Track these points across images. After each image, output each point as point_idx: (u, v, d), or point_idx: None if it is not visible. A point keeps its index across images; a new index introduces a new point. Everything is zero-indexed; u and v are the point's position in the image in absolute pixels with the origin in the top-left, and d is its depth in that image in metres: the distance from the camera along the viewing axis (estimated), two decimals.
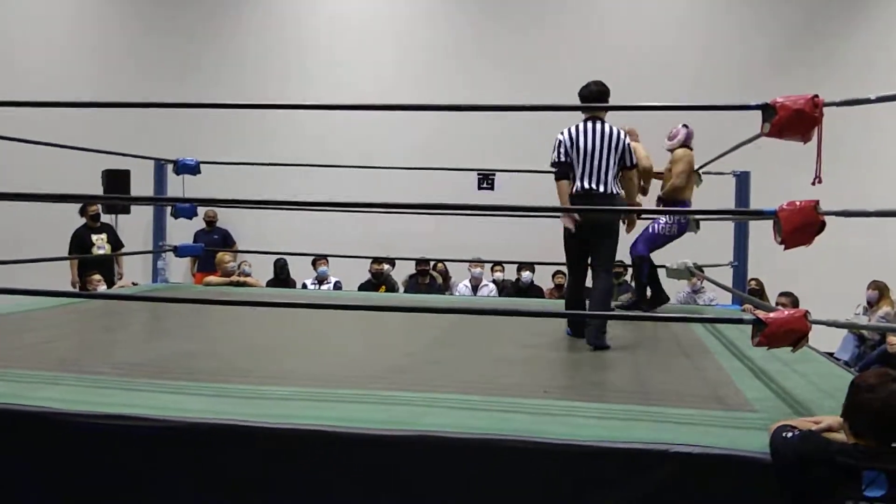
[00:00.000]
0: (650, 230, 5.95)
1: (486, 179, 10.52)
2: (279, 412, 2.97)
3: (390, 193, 8.94)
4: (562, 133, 4.79)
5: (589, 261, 4.83)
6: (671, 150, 6.02)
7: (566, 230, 4.82)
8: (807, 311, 3.02)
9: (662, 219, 5.94)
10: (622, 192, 4.84)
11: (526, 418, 2.96)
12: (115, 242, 9.15)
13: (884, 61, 10.37)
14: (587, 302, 4.86)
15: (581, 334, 4.75)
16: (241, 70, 11.54)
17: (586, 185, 4.71)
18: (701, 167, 6.22)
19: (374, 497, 2.78)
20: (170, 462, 2.88)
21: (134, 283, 8.54)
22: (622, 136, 4.75)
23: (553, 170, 4.82)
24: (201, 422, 2.87)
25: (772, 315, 3.00)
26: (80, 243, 8.98)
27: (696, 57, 10.92)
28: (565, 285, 5.05)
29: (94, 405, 2.99)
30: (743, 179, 6.59)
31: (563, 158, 4.78)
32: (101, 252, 8.80)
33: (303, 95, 10.90)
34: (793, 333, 2.96)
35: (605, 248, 4.76)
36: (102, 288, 7.94)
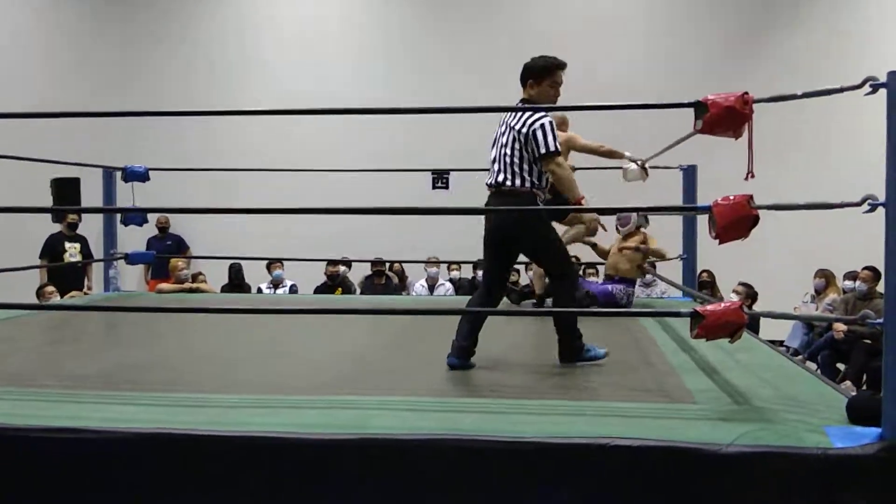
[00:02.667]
0: (608, 288, 6.33)
1: (440, 179, 10.57)
2: (226, 420, 2.97)
3: (345, 195, 8.98)
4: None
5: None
6: (628, 234, 6.55)
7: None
8: (743, 304, 3.10)
9: (620, 286, 6.34)
10: (541, 193, 4.03)
11: (473, 418, 3.01)
12: (88, 254, 9.10)
13: (834, 53, 10.60)
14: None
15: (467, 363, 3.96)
16: (190, 77, 11.45)
17: (487, 179, 4.07)
18: (647, 159, 6.38)
19: (322, 501, 2.80)
20: (117, 474, 2.86)
21: (86, 293, 8.46)
22: (530, 117, 3.91)
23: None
24: (148, 432, 2.87)
25: (709, 307, 3.08)
26: (52, 250, 8.95)
27: (636, 54, 11.06)
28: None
29: (39, 419, 2.97)
30: (690, 173, 6.70)
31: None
32: (73, 260, 8.79)
33: (255, 101, 10.83)
34: (729, 325, 3.03)
35: (544, 258, 4.19)
36: (56, 299, 7.87)
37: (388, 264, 9.95)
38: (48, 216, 8.85)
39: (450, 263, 9.77)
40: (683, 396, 3.34)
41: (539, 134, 3.89)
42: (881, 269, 2.75)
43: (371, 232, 10.04)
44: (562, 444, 2.71)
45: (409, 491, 2.77)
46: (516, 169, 3.95)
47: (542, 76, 4.02)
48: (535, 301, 6.18)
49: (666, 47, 11.07)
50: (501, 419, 2.97)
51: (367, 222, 9.91)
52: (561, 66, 4.04)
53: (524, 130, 3.91)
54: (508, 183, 3.97)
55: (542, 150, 3.89)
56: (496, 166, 4.02)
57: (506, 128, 4.01)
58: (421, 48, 11.34)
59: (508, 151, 3.97)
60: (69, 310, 6.06)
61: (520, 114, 3.96)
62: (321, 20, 11.54)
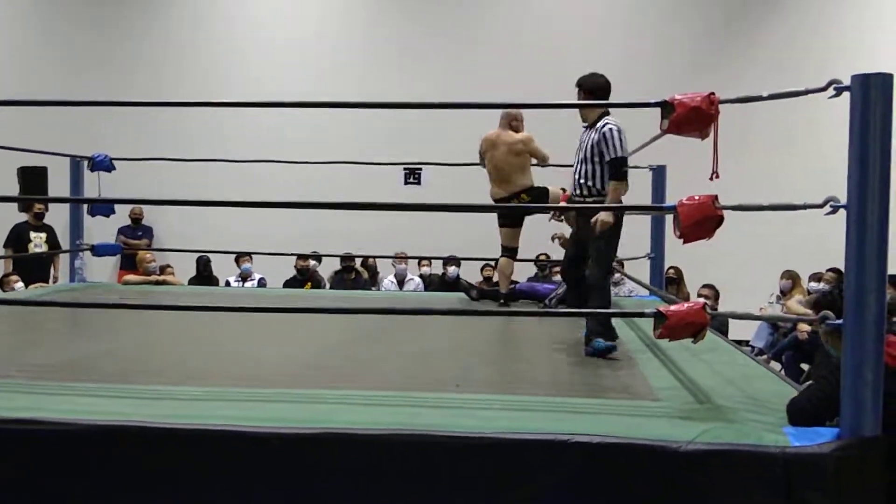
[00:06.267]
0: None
1: (412, 174, 10.59)
2: (189, 413, 2.96)
3: (317, 189, 8.95)
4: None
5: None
6: None
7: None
8: (705, 304, 3.12)
9: None
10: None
11: (436, 412, 3.02)
12: (54, 244, 8.99)
13: (799, 53, 10.72)
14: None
15: None
16: (160, 68, 11.35)
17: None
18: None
19: (284, 495, 2.79)
20: (79, 465, 2.84)
21: (52, 283, 8.38)
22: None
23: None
24: (108, 425, 2.84)
25: (672, 308, 3.10)
26: (16, 239, 8.85)
27: (618, 53, 11.10)
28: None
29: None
30: (659, 173, 6.74)
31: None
32: (38, 250, 8.70)
33: (226, 94, 10.76)
34: (692, 326, 3.05)
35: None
36: (20, 287, 7.79)
37: (358, 260, 9.94)
38: (14, 204, 8.75)
39: (420, 259, 9.75)
40: (646, 394, 3.37)
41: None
42: None
43: (341, 226, 10.02)
44: (523, 440, 2.72)
45: (372, 485, 2.77)
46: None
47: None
48: (501, 301, 6.21)
49: (646, 46, 11.12)
50: (465, 414, 2.98)
51: (337, 216, 9.89)
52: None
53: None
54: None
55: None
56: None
57: None
58: (398, 44, 11.31)
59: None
60: (21, 304, 5.88)
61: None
62: (290, 14, 11.49)
